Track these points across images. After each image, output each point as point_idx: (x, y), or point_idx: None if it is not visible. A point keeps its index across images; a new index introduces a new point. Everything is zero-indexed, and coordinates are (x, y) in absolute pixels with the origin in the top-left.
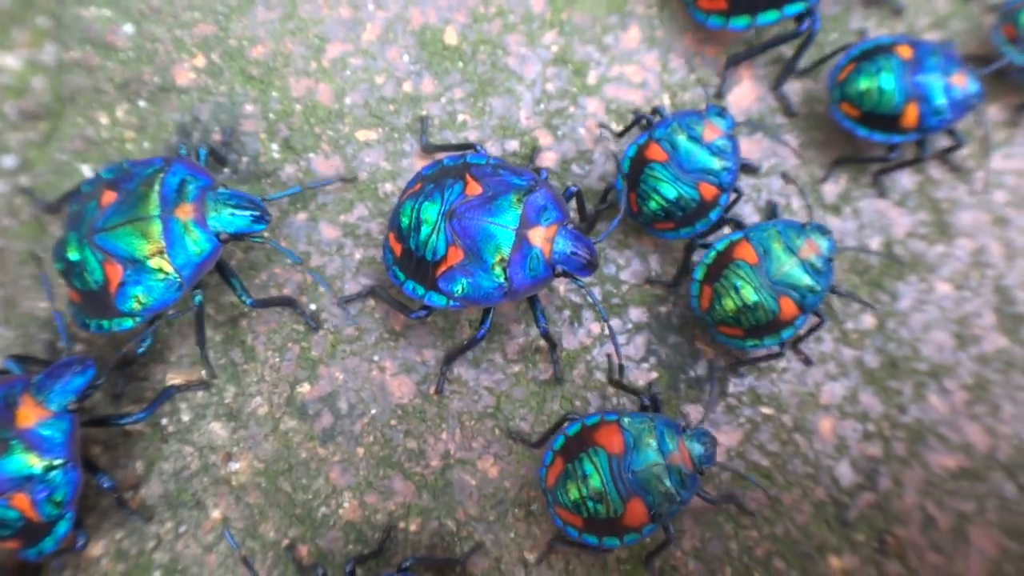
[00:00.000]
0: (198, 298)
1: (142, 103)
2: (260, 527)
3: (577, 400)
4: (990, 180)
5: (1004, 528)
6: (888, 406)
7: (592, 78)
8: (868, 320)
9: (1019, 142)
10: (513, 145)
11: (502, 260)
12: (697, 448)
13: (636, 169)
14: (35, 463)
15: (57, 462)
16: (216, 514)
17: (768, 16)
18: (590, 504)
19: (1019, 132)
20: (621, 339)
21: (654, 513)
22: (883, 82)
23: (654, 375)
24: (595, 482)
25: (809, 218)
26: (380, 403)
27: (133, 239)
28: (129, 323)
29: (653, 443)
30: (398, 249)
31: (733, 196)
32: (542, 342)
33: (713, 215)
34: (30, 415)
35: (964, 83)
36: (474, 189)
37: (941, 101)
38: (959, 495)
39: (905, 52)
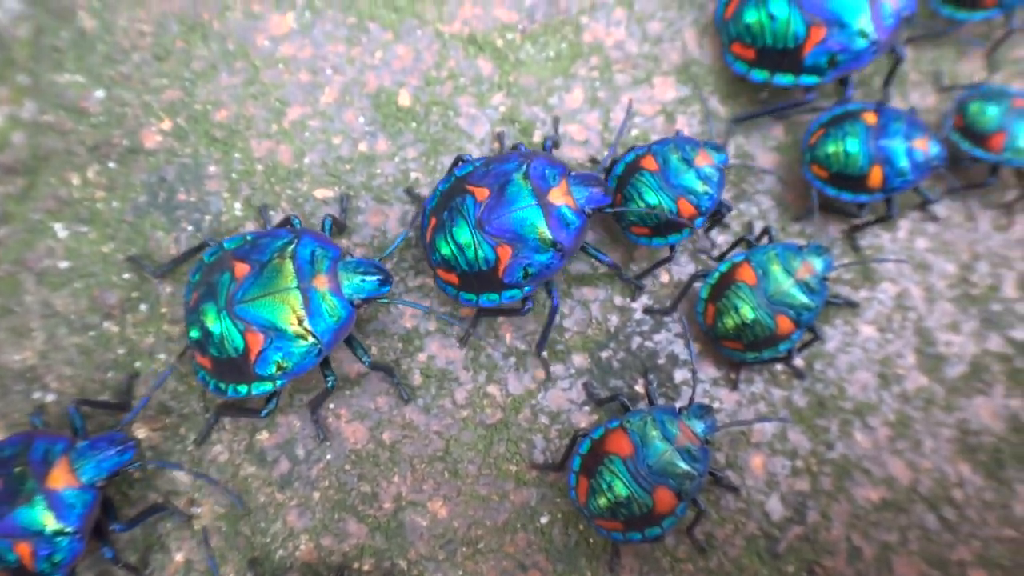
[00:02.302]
0: (332, 382)
1: (112, 164)
2: (221, 569)
3: (523, 443)
4: (913, 228)
5: (926, 557)
6: (815, 443)
7: (538, 136)
8: (797, 362)
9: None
10: None
11: (544, 232)
12: (698, 424)
13: (628, 174)
14: (49, 523)
15: (68, 529)
16: (179, 557)
17: (784, 78)
18: (622, 508)
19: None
20: (564, 383)
21: (681, 493)
22: (848, 146)
23: (595, 417)
24: (620, 489)
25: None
26: (335, 449)
27: (275, 309)
28: (269, 386)
29: (657, 434)
30: (454, 278)
31: (711, 223)
32: (489, 387)
33: (686, 233)
34: (61, 479)
35: (926, 147)
36: (483, 194)
37: (903, 164)
38: (883, 526)
39: (870, 118)
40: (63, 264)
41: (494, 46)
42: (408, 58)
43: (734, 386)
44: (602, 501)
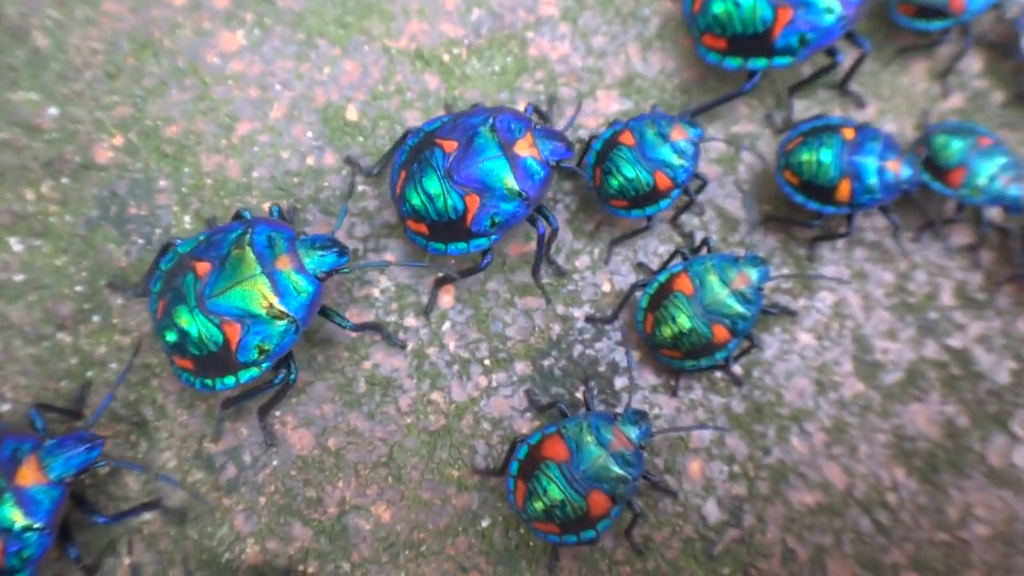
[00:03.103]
0: (292, 378)
1: (65, 180)
2: (169, 572)
3: (465, 448)
4: (853, 237)
5: (859, 560)
6: (753, 448)
7: None
8: (735, 369)
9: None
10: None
11: (510, 182)
12: (632, 430)
13: (606, 149)
14: (18, 520)
15: (36, 525)
16: (127, 561)
17: (757, 62)
18: (557, 511)
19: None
20: (506, 391)
21: (615, 497)
22: (822, 156)
23: (536, 423)
24: (555, 493)
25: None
26: (281, 455)
27: (245, 297)
28: (256, 371)
29: (592, 439)
30: (424, 228)
31: (686, 200)
32: (433, 395)
33: (663, 204)
34: (29, 476)
35: (898, 169)
36: (451, 146)
37: (872, 181)
38: (817, 529)
39: (849, 133)
40: (18, 277)
41: (440, 61)
42: (356, 73)
43: (673, 393)
44: (538, 505)
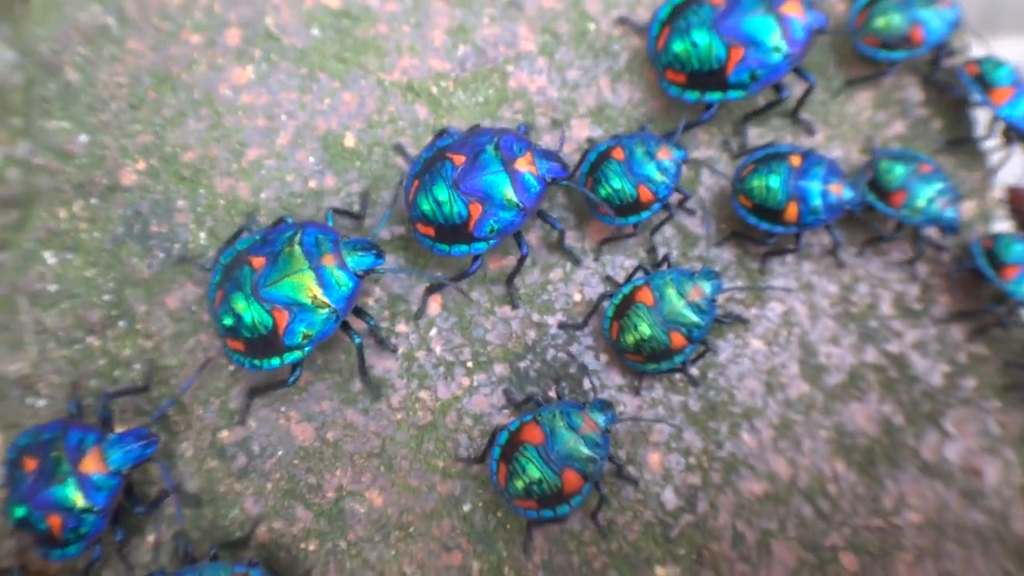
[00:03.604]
0: (358, 339)
1: (94, 200)
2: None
3: (449, 441)
4: (802, 252)
5: (802, 542)
6: (707, 442)
7: None
8: (692, 371)
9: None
10: (400, 230)
11: (509, 194)
12: (599, 416)
13: (599, 161)
14: (78, 501)
15: (95, 508)
16: (150, 539)
17: (713, 95)
18: (535, 488)
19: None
20: (485, 390)
21: (585, 475)
22: (771, 182)
23: (512, 419)
24: (533, 471)
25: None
26: (286, 446)
27: (294, 288)
28: (298, 354)
29: (563, 424)
30: (431, 231)
31: (666, 215)
32: (421, 393)
33: (644, 215)
34: (92, 465)
35: (840, 191)
36: (460, 160)
37: (817, 203)
38: (764, 515)
39: (795, 160)
40: (52, 287)
41: (429, 93)
42: (353, 104)
43: (636, 392)
44: (519, 484)
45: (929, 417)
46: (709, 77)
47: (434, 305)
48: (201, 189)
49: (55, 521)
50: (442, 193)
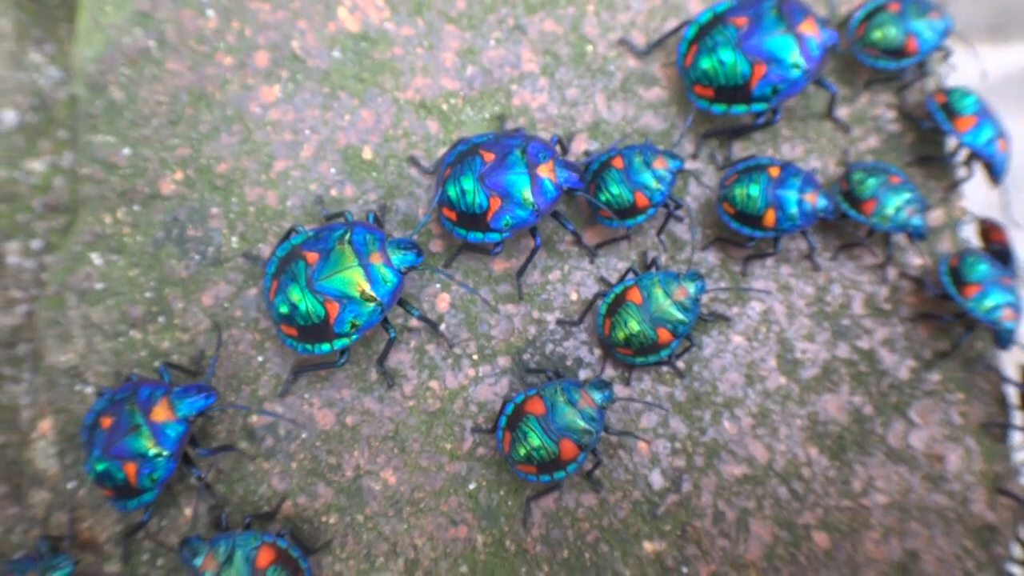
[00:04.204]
0: (393, 332)
1: (136, 207)
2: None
3: (456, 426)
4: (780, 256)
5: (777, 521)
6: (691, 429)
7: None
8: (679, 364)
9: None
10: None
11: (527, 195)
12: (596, 393)
13: (601, 169)
14: (151, 447)
15: (165, 452)
16: (187, 512)
17: (739, 108)
18: (535, 454)
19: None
20: (490, 380)
21: (581, 445)
22: (751, 190)
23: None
24: (533, 439)
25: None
26: (309, 429)
27: (345, 282)
28: (346, 341)
29: (563, 399)
30: (454, 216)
31: (665, 216)
32: (431, 383)
33: (640, 218)
34: (161, 414)
35: (814, 200)
36: (489, 157)
37: (793, 210)
38: (743, 495)
39: (774, 171)
40: (98, 285)
41: (440, 109)
42: (371, 120)
43: (627, 383)
44: (521, 450)
45: (896, 408)
46: (735, 91)
47: (443, 304)
48: (233, 197)
49: (131, 469)
50: (468, 183)
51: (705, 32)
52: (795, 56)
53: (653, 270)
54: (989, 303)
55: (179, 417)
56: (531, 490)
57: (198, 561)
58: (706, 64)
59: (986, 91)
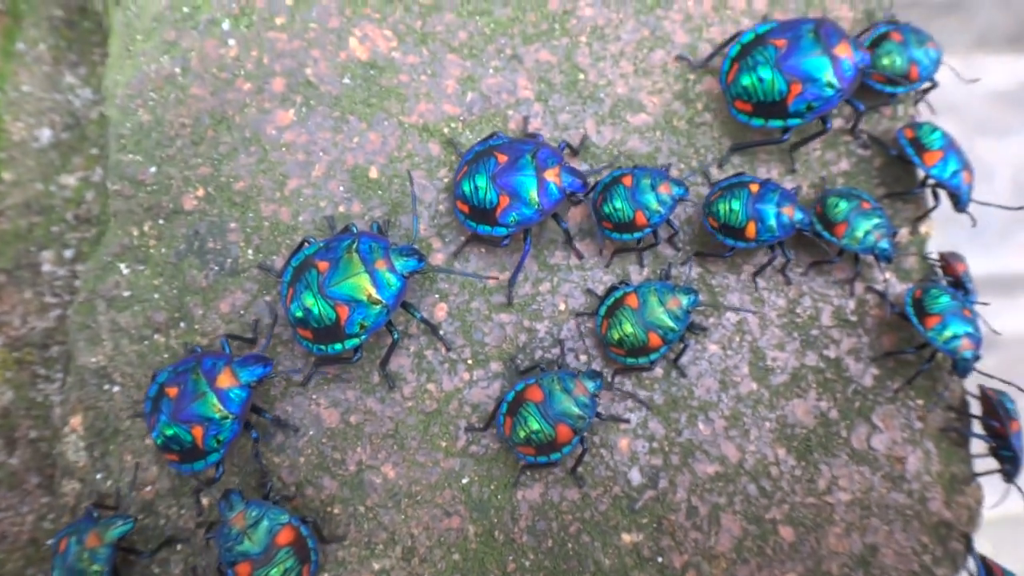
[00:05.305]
0: (396, 334)
1: (161, 221)
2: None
3: (451, 426)
4: (754, 270)
5: (746, 516)
6: (668, 430)
7: None
8: (657, 371)
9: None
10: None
11: (533, 195)
12: (588, 383)
13: (610, 184)
14: (217, 411)
15: (230, 415)
16: (205, 501)
17: (775, 123)
18: (534, 437)
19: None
20: (483, 384)
21: (575, 429)
22: (733, 205)
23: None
24: (532, 423)
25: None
26: (315, 427)
27: (353, 288)
28: (355, 341)
29: (560, 387)
30: (467, 209)
31: (671, 233)
32: (428, 385)
33: (636, 235)
34: (226, 380)
35: (791, 213)
36: (503, 158)
37: (772, 223)
38: (715, 492)
39: (754, 188)
40: (125, 292)
41: (442, 132)
42: (377, 142)
43: (609, 387)
44: (521, 433)
45: (860, 412)
46: (772, 107)
47: (440, 312)
48: (250, 213)
49: (198, 432)
50: (482, 181)
51: (747, 51)
52: (829, 76)
53: (657, 277)
54: (948, 333)
55: (242, 383)
56: (520, 487)
57: (231, 514)
58: (746, 81)
59: (1004, 99)
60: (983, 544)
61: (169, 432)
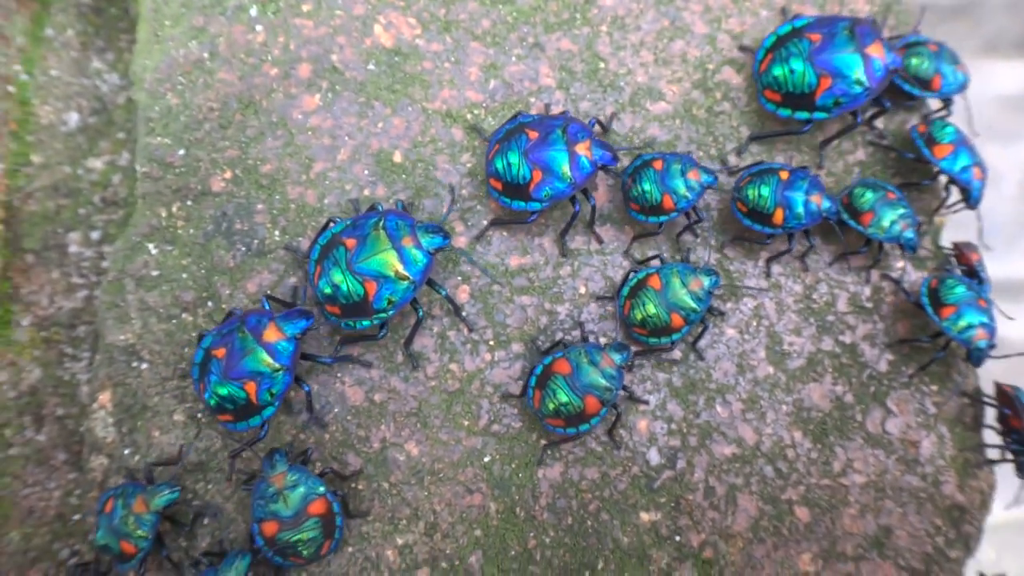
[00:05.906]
0: (421, 312)
1: (189, 202)
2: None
3: (473, 405)
4: (770, 257)
5: (762, 496)
6: (687, 412)
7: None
8: (676, 353)
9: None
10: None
11: (566, 169)
12: (615, 355)
13: (641, 166)
14: (267, 364)
15: (281, 367)
16: (240, 467)
17: (802, 115)
18: (563, 409)
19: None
20: (504, 364)
21: (603, 400)
22: (762, 191)
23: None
24: (561, 395)
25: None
26: (340, 405)
27: (381, 264)
28: (384, 315)
29: (587, 360)
30: (500, 186)
31: (695, 218)
32: (451, 365)
33: (663, 218)
34: (272, 335)
35: (820, 201)
36: (533, 135)
37: (800, 210)
38: (732, 473)
39: (784, 175)
40: (154, 272)
41: (464, 119)
42: (401, 127)
43: (629, 369)
44: (551, 405)
45: (875, 397)
46: (800, 99)
47: (463, 294)
48: (276, 195)
49: (251, 387)
50: (514, 158)
51: (782, 43)
52: (859, 74)
53: (680, 260)
54: (963, 323)
55: (288, 336)
56: (541, 466)
57: (272, 472)
58: (778, 71)
59: (1012, 104)
60: (987, 551)
61: (223, 391)
